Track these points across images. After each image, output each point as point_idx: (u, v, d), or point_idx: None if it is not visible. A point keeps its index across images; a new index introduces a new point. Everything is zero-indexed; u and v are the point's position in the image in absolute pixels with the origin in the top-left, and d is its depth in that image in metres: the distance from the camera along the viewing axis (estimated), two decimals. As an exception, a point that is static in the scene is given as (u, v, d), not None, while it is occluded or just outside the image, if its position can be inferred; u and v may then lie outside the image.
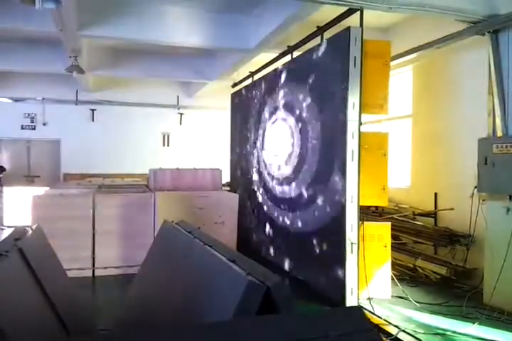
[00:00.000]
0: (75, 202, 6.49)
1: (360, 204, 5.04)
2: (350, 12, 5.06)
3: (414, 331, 4.36)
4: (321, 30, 5.76)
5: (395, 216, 7.08)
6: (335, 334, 1.19)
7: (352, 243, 5.03)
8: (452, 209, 6.33)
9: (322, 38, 5.79)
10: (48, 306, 2.61)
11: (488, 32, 4.90)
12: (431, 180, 6.95)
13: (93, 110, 11.37)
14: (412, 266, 6.42)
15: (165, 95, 11.70)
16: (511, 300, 4.82)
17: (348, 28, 4.90)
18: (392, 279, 5.38)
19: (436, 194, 6.81)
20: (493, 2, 4.70)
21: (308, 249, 5.71)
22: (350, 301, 5.01)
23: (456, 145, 6.46)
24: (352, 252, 5.04)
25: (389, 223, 5.39)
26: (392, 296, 5.35)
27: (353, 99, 4.95)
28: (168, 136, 11.96)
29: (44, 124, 11.03)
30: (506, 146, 4.83)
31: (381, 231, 5.28)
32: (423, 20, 6.48)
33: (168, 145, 11.97)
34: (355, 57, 4.91)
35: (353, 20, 5.17)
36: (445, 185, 6.65)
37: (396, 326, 4.49)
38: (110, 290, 5.89)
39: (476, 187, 5.53)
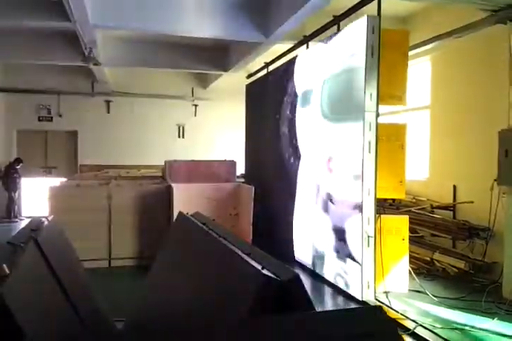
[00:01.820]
0: (91, 193, 6.53)
1: (377, 197, 4.98)
2: (368, 0, 4.94)
3: (432, 326, 4.29)
4: (337, 19, 5.64)
5: (413, 209, 6.98)
6: (357, 333, 1.14)
7: (369, 236, 4.98)
8: (472, 202, 6.21)
9: (339, 28, 5.69)
10: (64, 298, 2.62)
11: (510, 20, 4.74)
12: (449, 172, 6.83)
13: (109, 102, 11.40)
14: (429, 259, 6.33)
15: (180, 87, 11.67)
16: (532, 295, 4.73)
17: (366, 17, 4.79)
18: (410, 273, 5.30)
19: (454, 186, 6.69)
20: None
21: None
22: (367, 295, 4.97)
23: (476, 136, 6.31)
24: (368, 245, 4.99)
25: (407, 216, 5.31)
26: (409, 290, 5.28)
27: (371, 90, 4.86)
28: (183, 128, 11.95)
29: (60, 116, 11.08)
30: (528, 138, 4.70)
31: (399, 224, 5.20)
32: (440, 10, 6.33)
33: (183, 137, 11.97)
34: (372, 46, 4.81)
35: (370, 9, 5.06)
36: (464, 178, 6.53)
37: (413, 320, 4.43)
38: (126, 280, 5.93)
39: (495, 179, 5.41)
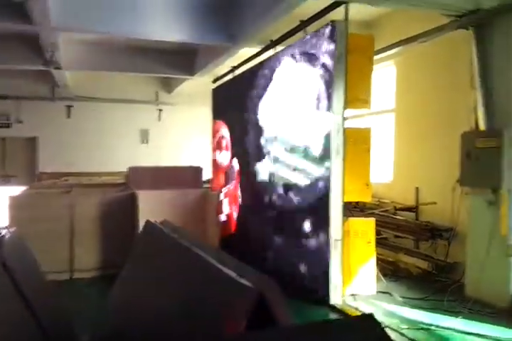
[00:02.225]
0: (53, 202, 6.31)
1: (345, 200, 5.03)
2: (335, 5, 4.99)
3: (399, 326, 4.37)
4: (304, 24, 5.68)
5: (376, 211, 7.11)
6: None
7: (336, 239, 5.02)
8: (435, 203, 6.37)
9: (306, 32, 5.73)
10: (30, 314, 2.50)
11: (472, 26, 4.90)
12: (412, 174, 6.99)
13: (70, 107, 11.10)
14: (393, 260, 6.45)
15: (143, 91, 11.50)
16: (493, 293, 4.87)
17: (333, 22, 4.85)
18: (377, 275, 5.38)
19: (417, 188, 6.85)
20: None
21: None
22: (335, 298, 4.99)
23: (438, 139, 6.49)
24: (336, 249, 5.02)
25: (373, 219, 5.39)
26: (377, 292, 5.35)
27: (338, 94, 4.91)
28: (147, 133, 11.76)
29: (20, 122, 10.71)
30: (489, 140, 4.86)
31: (365, 227, 5.27)
32: (404, 15, 6.48)
33: (147, 142, 11.78)
34: (339, 51, 4.86)
35: (337, 14, 5.13)
36: (426, 180, 6.70)
37: (381, 322, 4.49)
38: (91, 292, 5.74)
39: (457, 181, 5.57)
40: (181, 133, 11.57)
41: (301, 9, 5.72)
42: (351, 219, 5.20)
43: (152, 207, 6.28)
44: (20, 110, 10.80)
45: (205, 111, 10.37)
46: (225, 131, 7.78)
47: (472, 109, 5.15)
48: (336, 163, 4.97)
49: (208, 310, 2.28)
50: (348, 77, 4.92)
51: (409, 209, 6.87)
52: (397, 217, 6.89)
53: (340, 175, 4.98)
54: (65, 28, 6.18)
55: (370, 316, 1.48)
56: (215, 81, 9.83)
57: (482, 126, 5.04)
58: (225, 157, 7.88)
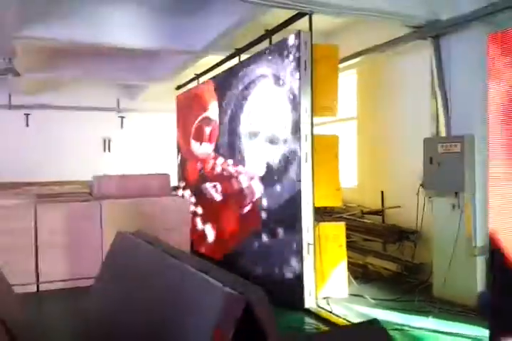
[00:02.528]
0: (14, 214, 6.10)
1: (316, 205, 5.12)
2: (299, 16, 5.10)
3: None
4: (269, 33, 5.77)
5: (344, 215, 7.24)
6: None
7: (308, 244, 5.09)
8: (399, 206, 6.56)
9: (271, 42, 5.81)
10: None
11: (430, 37, 5.11)
12: (377, 179, 7.18)
13: (27, 115, 10.73)
14: (362, 263, 6.59)
15: (104, 98, 11.24)
16: (461, 292, 5.05)
17: (298, 32, 4.94)
18: (348, 278, 5.48)
19: (382, 192, 7.04)
20: (436, 8, 4.91)
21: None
22: (309, 302, 5.06)
23: (400, 145, 6.70)
24: (309, 253, 5.10)
25: (343, 223, 5.50)
26: (349, 294, 5.45)
27: (305, 102, 5.01)
28: (109, 141, 11.53)
29: (-27, 131, 10.29)
30: (450, 146, 5.06)
31: (336, 231, 5.37)
32: (364, 25, 6.66)
33: (109, 151, 11.53)
34: (305, 61, 4.97)
35: (300, 23, 5.24)
36: (391, 184, 6.89)
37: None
38: (60, 304, 5.58)
39: (421, 185, 5.78)
40: (145, 140, 11.39)
41: (268, 18, 5.82)
42: (322, 223, 5.29)
43: (118, 216, 6.17)
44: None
45: (170, 118, 10.31)
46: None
47: (434, 117, 5.35)
48: (305, 169, 5.06)
49: (195, 320, 2.28)
50: (314, 86, 5.03)
51: (375, 212, 7.05)
52: (365, 220, 7.05)
53: (309, 180, 5.07)
54: (24, 36, 6.02)
55: (375, 321, 1.52)
56: (178, 88, 9.82)
57: (443, 133, 5.25)
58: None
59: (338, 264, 5.38)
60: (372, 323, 1.55)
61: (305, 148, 5.04)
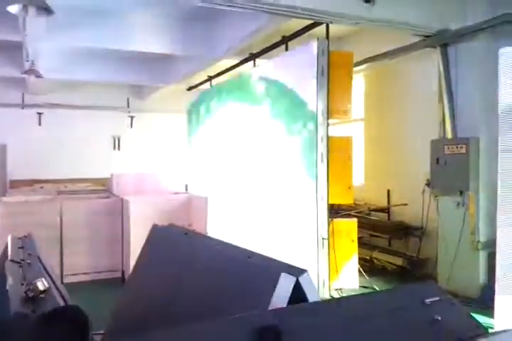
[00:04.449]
0: (41, 209, 6.40)
1: (329, 202, 5.47)
2: (316, 24, 5.44)
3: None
4: (285, 39, 6.10)
5: (352, 212, 7.58)
6: (430, 301, 1.48)
7: (323, 238, 5.44)
8: (406, 204, 6.92)
9: (287, 48, 6.15)
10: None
11: (439, 45, 5.46)
12: (383, 178, 7.54)
13: (40, 114, 11.03)
14: (368, 258, 6.94)
15: (115, 97, 11.55)
16: (464, 284, 5.41)
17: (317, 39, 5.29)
18: (359, 271, 5.84)
19: (388, 191, 7.40)
20: (445, 18, 5.27)
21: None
22: (323, 292, 5.41)
23: (406, 146, 7.06)
24: (323, 247, 5.45)
25: (355, 219, 5.85)
26: (359, 286, 5.81)
27: (322, 106, 5.35)
28: (118, 140, 11.84)
29: (-13, 129, 10.56)
30: (456, 147, 5.43)
31: (348, 227, 5.71)
32: (373, 32, 7.00)
33: (118, 149, 11.85)
34: (322, 66, 5.31)
35: (315, 30, 5.61)
36: (397, 183, 7.25)
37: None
38: (86, 295, 5.89)
39: (426, 184, 6.15)
40: (154, 139, 11.70)
41: (284, 25, 6.14)
42: (336, 220, 5.63)
43: (141, 213, 6.48)
44: (-12, 117, 10.64)
45: (179, 118, 10.64)
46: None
47: (440, 120, 5.71)
48: (321, 169, 5.40)
49: (249, 301, 2.58)
50: (331, 90, 5.37)
51: (381, 210, 7.41)
52: (371, 217, 7.40)
53: (325, 180, 5.41)
54: (53, 38, 6.32)
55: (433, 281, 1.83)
56: (190, 89, 10.13)
57: (449, 135, 5.61)
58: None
59: (350, 258, 5.73)
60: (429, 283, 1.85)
61: (321, 149, 5.38)
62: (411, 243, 6.80)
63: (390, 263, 6.75)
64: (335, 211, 7.91)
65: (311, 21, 5.52)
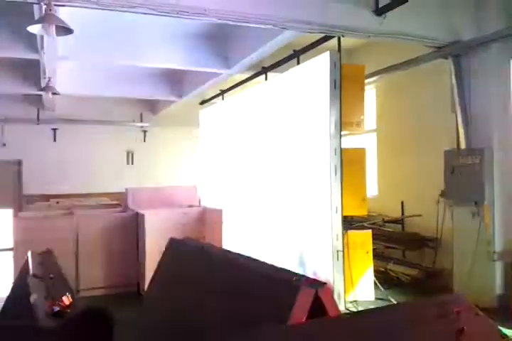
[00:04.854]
0: (58, 224, 6.49)
1: (344, 214, 5.48)
2: (328, 37, 5.52)
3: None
4: (297, 53, 6.18)
5: (365, 223, 7.57)
6: (456, 312, 1.51)
7: (338, 251, 5.44)
8: (420, 215, 6.90)
9: (298, 61, 6.23)
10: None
11: (451, 56, 5.50)
12: (397, 189, 7.54)
13: (55, 129, 11.20)
14: (383, 269, 6.91)
15: (128, 112, 11.69)
16: (481, 295, 5.34)
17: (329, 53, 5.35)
18: (374, 283, 5.82)
19: (402, 202, 7.39)
20: (457, 30, 5.32)
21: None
22: (338, 305, 5.38)
23: (420, 156, 7.06)
24: (338, 259, 5.44)
25: (370, 231, 5.85)
26: (375, 298, 5.78)
27: (334, 118, 5.39)
28: (132, 154, 11.95)
29: (4, 145, 10.73)
30: (471, 158, 5.43)
31: (363, 238, 5.72)
32: (384, 44, 7.06)
33: (132, 163, 11.96)
34: (335, 80, 5.36)
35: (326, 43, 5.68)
36: (411, 194, 7.24)
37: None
38: (117, 307, 5.92)
39: (440, 194, 6.14)
40: (167, 153, 11.78)
41: (295, 38, 6.22)
42: (350, 231, 5.64)
43: (156, 227, 6.53)
44: (4, 133, 10.84)
45: (191, 132, 10.74)
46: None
47: (454, 130, 5.72)
48: (334, 181, 5.42)
49: (269, 313, 2.61)
50: (343, 102, 5.42)
51: (395, 221, 7.39)
52: (386, 229, 7.38)
53: (338, 192, 5.43)
54: (69, 56, 6.48)
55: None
56: (202, 103, 10.25)
57: (463, 145, 5.61)
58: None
59: (365, 270, 5.72)
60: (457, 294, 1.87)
61: (334, 161, 5.40)
62: (426, 254, 6.77)
63: (405, 274, 6.71)
64: (348, 222, 7.94)
65: (323, 35, 5.60)
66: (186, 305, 3.24)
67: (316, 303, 2.55)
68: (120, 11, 4.27)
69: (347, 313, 2.35)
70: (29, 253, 3.80)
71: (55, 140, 11.26)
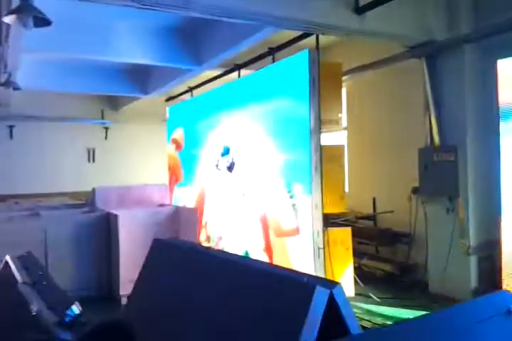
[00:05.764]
0: (24, 226, 6.16)
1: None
2: (306, 35, 5.50)
3: (384, 323, 4.88)
4: (274, 50, 6.14)
5: (339, 220, 7.64)
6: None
7: (319, 248, 5.46)
8: (392, 211, 7.03)
9: (274, 59, 6.18)
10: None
11: (425, 56, 5.62)
12: (368, 186, 7.65)
13: (11, 127, 10.65)
14: (357, 265, 7.00)
15: (88, 109, 11.29)
16: (456, 288, 5.53)
17: (307, 50, 5.34)
18: (354, 279, 5.88)
19: (374, 198, 7.51)
20: (431, 30, 5.43)
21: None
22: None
23: (391, 155, 7.19)
24: (319, 256, 5.46)
25: (349, 228, 5.90)
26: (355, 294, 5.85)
27: (314, 116, 5.39)
28: (93, 152, 11.56)
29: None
30: (444, 155, 5.58)
31: (343, 235, 5.76)
32: (357, 43, 7.12)
33: (93, 161, 11.57)
34: (314, 77, 5.36)
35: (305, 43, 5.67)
36: (383, 190, 7.37)
37: (368, 320, 4.98)
38: (99, 311, 5.68)
39: (412, 191, 6.29)
40: (131, 151, 11.47)
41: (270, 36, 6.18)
42: (330, 229, 5.66)
43: (129, 227, 6.33)
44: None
45: (156, 129, 10.50)
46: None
47: (427, 128, 5.86)
48: (315, 178, 5.43)
49: (282, 316, 2.55)
50: (321, 100, 5.42)
51: (367, 217, 7.50)
52: (359, 225, 7.48)
53: (319, 189, 5.44)
54: (34, 49, 6.15)
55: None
56: (168, 99, 10.03)
57: (437, 143, 5.75)
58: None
59: (346, 266, 5.76)
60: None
61: (314, 159, 5.41)
62: (399, 249, 6.92)
63: (379, 269, 6.84)
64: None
65: (300, 32, 5.58)
66: (186, 309, 3.13)
67: (329, 303, 2.52)
68: (100, 2, 4.07)
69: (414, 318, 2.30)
70: (7, 258, 3.56)
71: (11, 138, 10.71)
